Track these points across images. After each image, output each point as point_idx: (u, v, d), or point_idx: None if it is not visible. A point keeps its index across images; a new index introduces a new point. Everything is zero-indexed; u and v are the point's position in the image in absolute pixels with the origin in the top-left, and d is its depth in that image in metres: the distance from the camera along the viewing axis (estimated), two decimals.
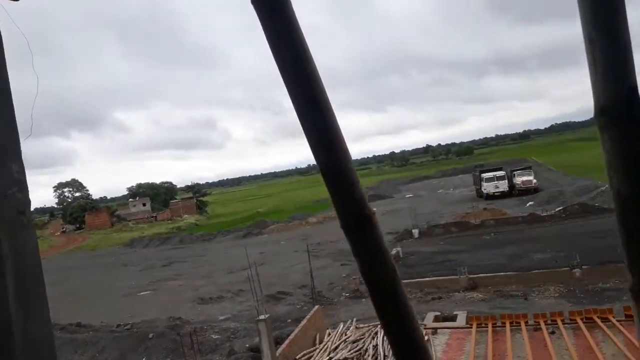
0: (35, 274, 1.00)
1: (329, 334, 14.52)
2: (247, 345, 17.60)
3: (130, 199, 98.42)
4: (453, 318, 15.55)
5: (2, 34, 1.01)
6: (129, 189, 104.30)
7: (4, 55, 1.01)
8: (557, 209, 33.36)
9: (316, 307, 15.91)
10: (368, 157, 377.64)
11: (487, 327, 13.23)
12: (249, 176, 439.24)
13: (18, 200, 0.97)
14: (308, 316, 14.82)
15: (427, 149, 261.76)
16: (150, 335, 18.85)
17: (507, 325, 12.94)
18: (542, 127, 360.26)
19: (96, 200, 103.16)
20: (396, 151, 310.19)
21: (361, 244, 1.02)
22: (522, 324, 12.82)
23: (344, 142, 0.98)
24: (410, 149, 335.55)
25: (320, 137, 0.97)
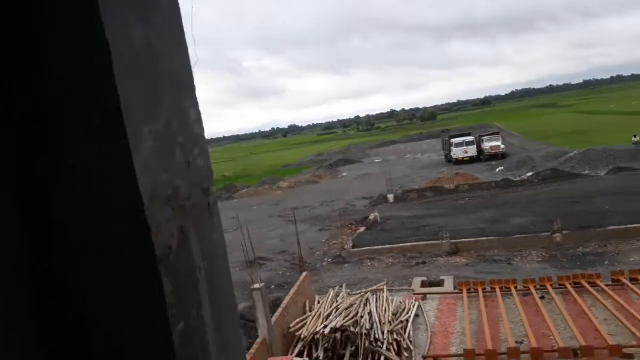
0: (227, 280, 0.72)
1: (319, 301, 14.37)
2: None
3: None
4: (440, 283, 15.73)
5: None
6: None
7: None
8: (528, 174, 34.15)
9: (304, 273, 15.69)
10: (333, 121, 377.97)
11: (477, 292, 13.40)
12: (212, 139, 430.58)
13: (200, 170, 0.65)
14: (298, 283, 14.59)
15: (392, 114, 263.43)
16: None
17: (498, 290, 13.12)
18: (503, 93, 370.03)
19: None
20: (361, 115, 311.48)
21: None
22: (512, 289, 13.02)
23: None
24: (374, 113, 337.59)
25: None
